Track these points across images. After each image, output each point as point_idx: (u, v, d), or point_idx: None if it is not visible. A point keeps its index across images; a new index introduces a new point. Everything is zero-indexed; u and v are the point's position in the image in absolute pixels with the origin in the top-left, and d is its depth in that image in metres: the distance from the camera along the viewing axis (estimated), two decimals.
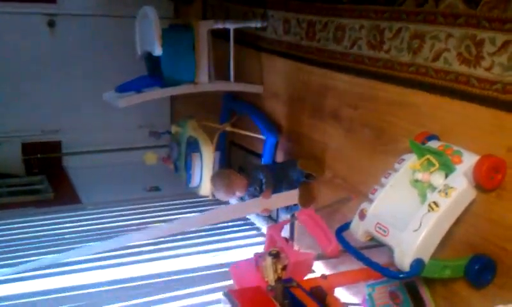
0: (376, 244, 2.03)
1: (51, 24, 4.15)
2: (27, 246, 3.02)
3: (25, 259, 2.84)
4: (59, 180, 4.11)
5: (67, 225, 3.30)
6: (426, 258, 1.84)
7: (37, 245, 3.04)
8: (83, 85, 4.27)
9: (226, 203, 3.38)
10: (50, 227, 3.27)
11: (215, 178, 2.97)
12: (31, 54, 4.14)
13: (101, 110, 4.09)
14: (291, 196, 2.85)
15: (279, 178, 2.88)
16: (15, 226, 3.26)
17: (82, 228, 3.27)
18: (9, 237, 3.13)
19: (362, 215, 2.04)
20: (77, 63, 4.27)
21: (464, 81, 2.01)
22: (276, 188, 2.87)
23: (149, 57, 3.20)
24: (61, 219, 3.37)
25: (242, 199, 3.25)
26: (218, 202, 3.49)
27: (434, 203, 1.85)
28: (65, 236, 3.17)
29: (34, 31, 4.13)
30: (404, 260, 1.84)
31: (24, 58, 4.12)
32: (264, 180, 2.83)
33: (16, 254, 2.92)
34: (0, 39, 4.02)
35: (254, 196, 3.00)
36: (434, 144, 2.04)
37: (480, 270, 1.90)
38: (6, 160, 4.07)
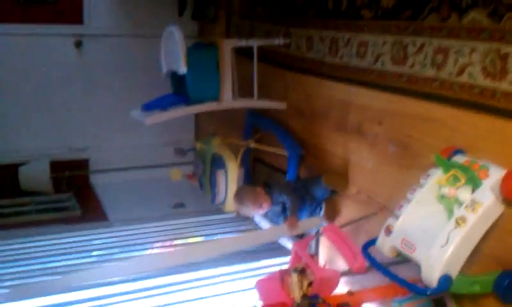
0: (402, 259, 2.02)
1: (78, 45, 4.24)
2: (55, 263, 3.06)
3: (53, 277, 2.89)
4: (87, 198, 4.17)
5: (95, 242, 3.34)
6: (454, 274, 1.83)
7: (65, 262, 3.08)
8: (110, 104, 4.35)
9: (250, 218, 3.40)
10: (78, 244, 3.30)
11: (239, 193, 2.99)
12: (59, 74, 4.23)
13: (127, 129, 4.18)
14: (315, 222, 2.86)
15: (302, 196, 2.87)
16: (43, 243, 3.30)
17: (110, 245, 3.30)
18: (37, 254, 3.16)
19: (388, 231, 2.04)
20: (104, 82, 4.35)
21: (490, 95, 2.00)
22: (300, 207, 2.87)
23: (174, 76, 3.25)
24: (89, 236, 3.40)
25: (265, 215, 3.26)
26: (243, 219, 3.51)
27: (461, 218, 1.84)
28: (92, 252, 3.20)
29: (62, 51, 4.23)
30: (431, 276, 1.83)
31: (51, 78, 4.21)
32: (287, 204, 2.82)
33: (45, 271, 2.96)
34: (29, 60, 4.12)
35: (278, 214, 3.00)
36: (460, 159, 2.03)
37: (510, 286, 1.88)
38: (35, 178, 4.13)
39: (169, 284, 2.77)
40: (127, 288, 2.73)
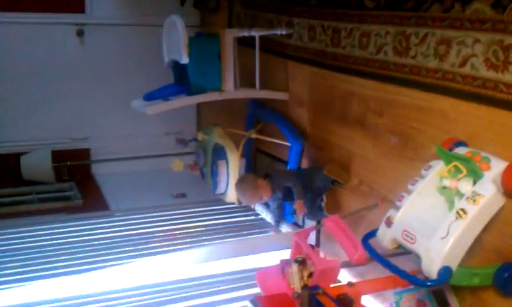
0: (402, 251, 2.02)
1: (80, 34, 4.23)
2: (57, 252, 3.07)
3: (55, 265, 2.90)
4: (88, 187, 4.18)
5: (96, 231, 3.34)
6: (454, 266, 1.83)
7: (67, 251, 3.09)
8: (111, 93, 4.34)
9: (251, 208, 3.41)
10: (79, 233, 3.31)
11: (240, 182, 3.00)
12: (60, 63, 4.22)
13: (129, 118, 4.17)
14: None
15: (304, 185, 2.88)
16: (45, 232, 3.31)
17: (111, 234, 3.31)
18: (39, 243, 3.17)
19: (389, 223, 2.03)
20: (106, 72, 4.34)
21: (492, 87, 1.99)
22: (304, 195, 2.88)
23: (176, 65, 3.25)
24: (90, 226, 3.41)
25: (266, 204, 3.26)
26: (244, 209, 3.51)
27: (462, 210, 1.83)
28: (94, 242, 3.21)
29: (63, 40, 4.21)
30: (431, 268, 1.82)
31: (53, 67, 4.19)
32: (294, 189, 2.84)
33: (47, 260, 2.97)
34: (30, 49, 4.10)
35: (279, 202, 3.01)
36: (461, 151, 2.02)
37: (509, 279, 1.88)
38: (37, 167, 4.14)
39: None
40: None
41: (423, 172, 2.09)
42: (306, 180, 2.92)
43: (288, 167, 3.27)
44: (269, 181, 2.91)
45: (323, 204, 2.91)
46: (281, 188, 2.91)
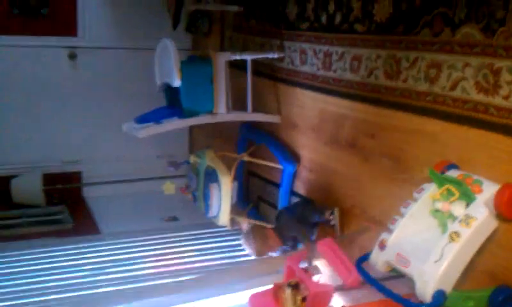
0: (396, 274, 2.01)
1: (72, 57, 4.23)
2: (46, 277, 3.03)
3: (45, 292, 2.86)
4: (79, 211, 4.14)
5: (86, 255, 3.31)
6: (448, 289, 1.82)
7: (57, 275, 3.05)
8: (103, 116, 4.33)
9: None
10: (69, 257, 3.28)
11: (248, 236, 2.96)
12: (52, 86, 4.21)
13: (120, 141, 4.16)
14: None
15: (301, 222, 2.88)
16: (35, 256, 3.27)
17: (101, 259, 3.28)
18: (28, 268, 3.14)
19: (382, 246, 2.03)
20: (98, 95, 4.34)
21: (483, 110, 2.00)
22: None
23: (168, 89, 3.25)
24: (81, 249, 3.38)
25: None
26: (236, 232, 3.49)
27: (455, 233, 1.83)
28: (84, 266, 3.18)
29: (55, 63, 4.21)
30: (425, 291, 1.82)
31: (45, 90, 4.19)
32: (299, 238, 2.84)
33: (37, 285, 2.94)
34: (22, 72, 4.10)
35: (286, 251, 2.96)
36: (453, 174, 2.03)
37: (504, 302, 1.87)
38: (27, 190, 4.10)
39: None
40: None
41: (415, 194, 2.09)
42: (302, 218, 2.90)
43: (281, 190, 3.26)
44: (276, 232, 2.90)
45: (314, 237, 2.90)
46: (289, 239, 2.89)
